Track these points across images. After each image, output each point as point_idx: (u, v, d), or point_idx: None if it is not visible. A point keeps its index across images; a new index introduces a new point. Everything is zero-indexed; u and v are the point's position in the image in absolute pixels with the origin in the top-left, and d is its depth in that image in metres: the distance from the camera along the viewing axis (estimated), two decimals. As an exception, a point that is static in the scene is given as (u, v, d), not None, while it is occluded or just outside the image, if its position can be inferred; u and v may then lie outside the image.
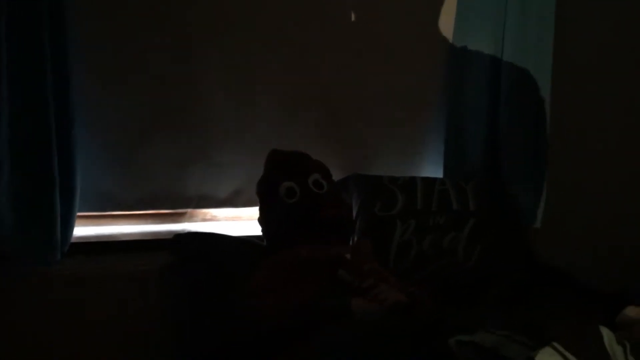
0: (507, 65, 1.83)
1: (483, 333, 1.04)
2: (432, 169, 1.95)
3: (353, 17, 1.81)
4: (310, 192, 1.40)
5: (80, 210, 1.61)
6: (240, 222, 1.87)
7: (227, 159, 1.76)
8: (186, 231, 1.71)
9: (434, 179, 1.83)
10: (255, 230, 1.63)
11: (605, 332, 0.98)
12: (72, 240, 1.59)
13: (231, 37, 1.72)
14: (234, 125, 1.76)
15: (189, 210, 1.82)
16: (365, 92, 1.86)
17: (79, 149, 1.55)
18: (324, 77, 1.83)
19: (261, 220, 1.51)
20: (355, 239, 1.63)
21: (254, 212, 1.85)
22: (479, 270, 1.61)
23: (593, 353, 0.92)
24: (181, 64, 1.69)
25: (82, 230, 1.70)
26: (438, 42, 1.90)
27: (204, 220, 1.86)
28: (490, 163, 1.89)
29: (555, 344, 0.88)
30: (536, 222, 1.87)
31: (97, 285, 1.61)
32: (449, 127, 1.91)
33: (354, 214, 1.69)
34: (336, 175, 1.70)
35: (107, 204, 1.71)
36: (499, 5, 1.81)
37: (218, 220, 1.88)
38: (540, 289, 1.54)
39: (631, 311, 1.25)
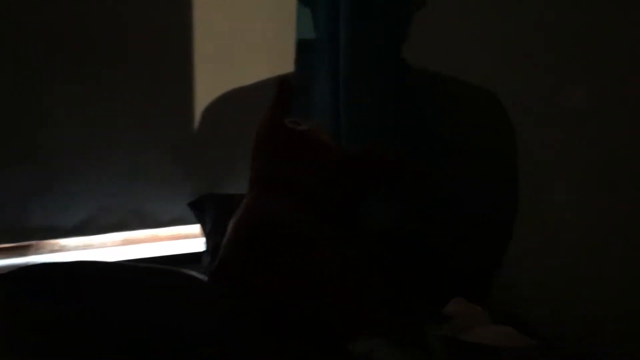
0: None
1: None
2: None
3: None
4: None
5: None
6: (93, 250, 1.83)
7: (74, 187, 1.71)
8: (27, 264, 1.61)
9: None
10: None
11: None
12: None
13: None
14: (81, 154, 1.72)
15: (34, 242, 1.75)
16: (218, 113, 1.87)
17: None
18: (175, 102, 1.82)
19: None
20: None
21: (106, 239, 1.84)
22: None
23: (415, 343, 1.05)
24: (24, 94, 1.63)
25: None
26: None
27: (53, 251, 1.79)
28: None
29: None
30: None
31: None
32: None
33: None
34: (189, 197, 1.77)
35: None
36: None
37: (68, 250, 1.81)
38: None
39: (452, 306, 1.42)
